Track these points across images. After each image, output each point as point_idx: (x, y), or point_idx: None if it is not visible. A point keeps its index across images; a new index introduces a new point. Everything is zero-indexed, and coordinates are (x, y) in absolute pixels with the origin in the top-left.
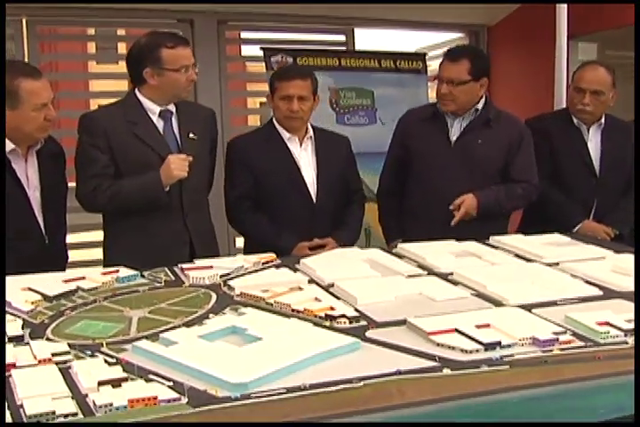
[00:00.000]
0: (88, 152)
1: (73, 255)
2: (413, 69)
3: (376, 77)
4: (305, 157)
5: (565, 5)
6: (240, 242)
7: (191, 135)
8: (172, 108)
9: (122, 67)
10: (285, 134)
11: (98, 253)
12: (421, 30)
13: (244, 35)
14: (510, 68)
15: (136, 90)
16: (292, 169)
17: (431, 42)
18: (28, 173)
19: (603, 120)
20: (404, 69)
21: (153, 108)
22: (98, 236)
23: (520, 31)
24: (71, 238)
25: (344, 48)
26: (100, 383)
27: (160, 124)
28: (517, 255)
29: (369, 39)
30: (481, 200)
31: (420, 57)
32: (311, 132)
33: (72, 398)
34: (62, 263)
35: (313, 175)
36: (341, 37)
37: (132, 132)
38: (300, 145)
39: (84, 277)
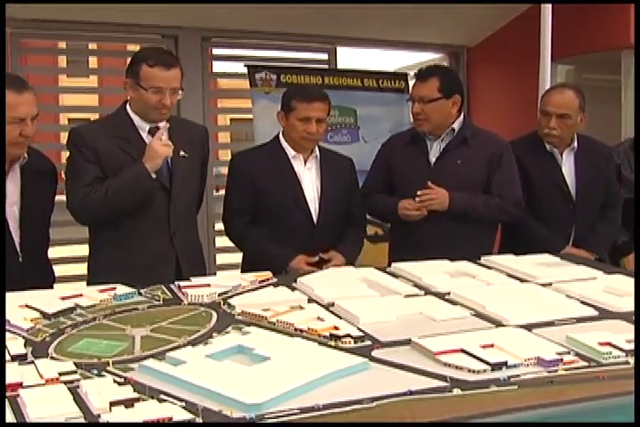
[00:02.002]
0: (79, 164)
1: (67, 269)
2: (396, 89)
3: (359, 96)
4: (308, 176)
5: (550, 27)
6: (221, 259)
7: (182, 153)
8: (162, 125)
9: (93, 81)
10: (291, 152)
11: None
12: (402, 50)
13: (227, 51)
14: (490, 89)
15: (127, 105)
16: (294, 187)
17: (411, 62)
18: (8, 188)
19: (575, 143)
20: (386, 89)
21: (142, 125)
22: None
23: (500, 53)
24: (64, 252)
25: (326, 66)
26: (112, 404)
27: (150, 140)
28: (510, 275)
29: (351, 58)
30: (454, 196)
31: (402, 76)
32: (317, 151)
33: (84, 418)
34: (46, 281)
35: (315, 194)
36: (324, 56)
37: (122, 149)
38: (305, 164)
39: (81, 295)
